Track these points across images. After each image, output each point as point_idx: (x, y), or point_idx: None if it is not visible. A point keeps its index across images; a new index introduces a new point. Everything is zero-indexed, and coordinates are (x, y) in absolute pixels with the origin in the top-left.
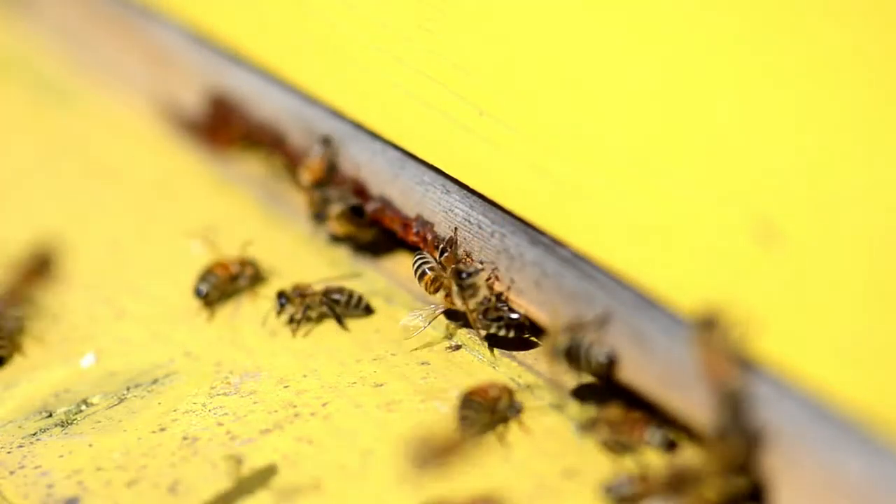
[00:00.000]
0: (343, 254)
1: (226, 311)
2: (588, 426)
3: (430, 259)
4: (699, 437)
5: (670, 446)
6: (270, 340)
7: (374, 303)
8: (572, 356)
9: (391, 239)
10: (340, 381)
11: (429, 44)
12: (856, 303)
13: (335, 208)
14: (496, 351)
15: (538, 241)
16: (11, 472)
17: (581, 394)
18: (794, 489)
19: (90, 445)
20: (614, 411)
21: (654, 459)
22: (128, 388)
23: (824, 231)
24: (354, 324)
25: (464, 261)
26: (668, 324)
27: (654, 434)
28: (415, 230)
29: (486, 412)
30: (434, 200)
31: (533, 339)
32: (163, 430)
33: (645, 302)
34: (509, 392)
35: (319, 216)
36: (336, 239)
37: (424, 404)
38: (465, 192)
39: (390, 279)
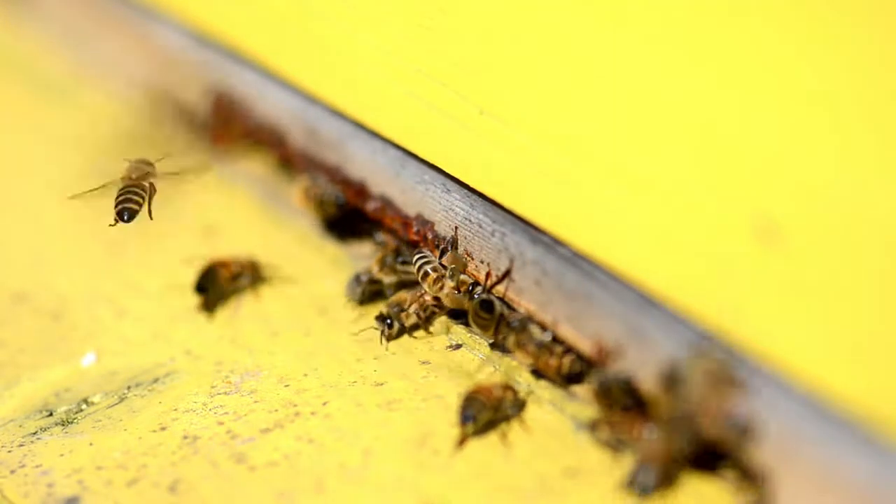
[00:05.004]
0: (344, 253)
1: (226, 310)
2: (589, 426)
3: (432, 257)
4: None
5: None
6: (271, 339)
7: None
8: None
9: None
10: (341, 380)
11: (429, 42)
12: (856, 302)
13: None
14: (497, 350)
15: (538, 240)
16: (12, 471)
17: (581, 393)
18: (795, 488)
19: (91, 444)
20: (614, 411)
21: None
22: (128, 388)
23: (825, 230)
24: (355, 323)
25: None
26: (668, 323)
27: (653, 432)
28: (415, 229)
29: (489, 411)
30: (434, 199)
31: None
32: (163, 429)
33: (645, 301)
34: (512, 391)
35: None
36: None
37: (425, 403)
38: (465, 190)
39: None
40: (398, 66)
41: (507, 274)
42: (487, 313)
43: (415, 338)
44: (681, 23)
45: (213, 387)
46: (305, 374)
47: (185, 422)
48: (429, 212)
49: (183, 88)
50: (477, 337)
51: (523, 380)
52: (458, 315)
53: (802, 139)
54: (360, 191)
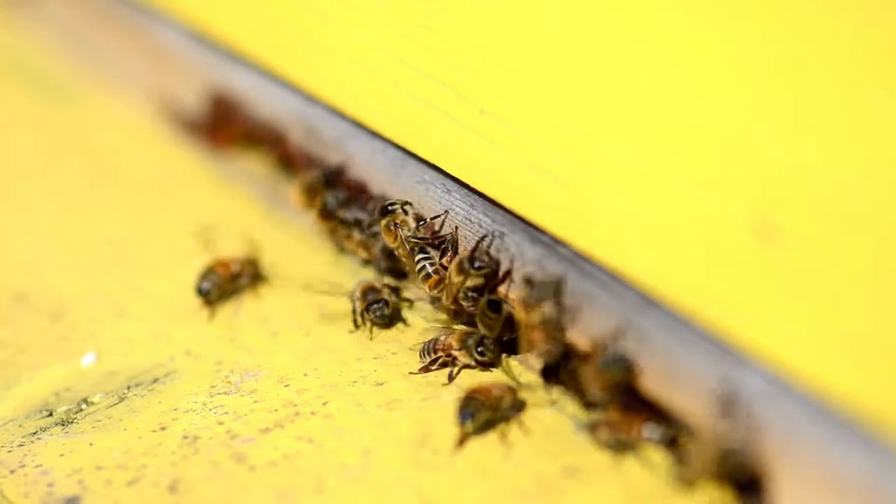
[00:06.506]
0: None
1: (226, 310)
2: (588, 427)
3: (434, 258)
4: (696, 433)
5: (670, 442)
6: (271, 339)
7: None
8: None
9: None
10: (341, 379)
11: (429, 42)
12: (856, 301)
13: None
14: (498, 350)
15: (538, 240)
16: (12, 471)
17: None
18: (795, 488)
19: (91, 444)
20: (613, 412)
21: (654, 456)
22: (128, 387)
23: (824, 229)
24: (355, 322)
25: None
26: (668, 323)
27: (653, 431)
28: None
29: (488, 410)
30: (434, 199)
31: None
32: (163, 429)
33: (645, 301)
34: (512, 391)
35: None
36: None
37: (425, 403)
38: (465, 190)
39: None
40: (398, 65)
41: (507, 274)
42: (495, 313)
43: (415, 336)
44: (680, 23)
45: (213, 387)
46: (305, 374)
47: (185, 422)
48: (429, 212)
49: (183, 87)
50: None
51: (523, 379)
52: (459, 316)
53: (801, 139)
54: (361, 191)
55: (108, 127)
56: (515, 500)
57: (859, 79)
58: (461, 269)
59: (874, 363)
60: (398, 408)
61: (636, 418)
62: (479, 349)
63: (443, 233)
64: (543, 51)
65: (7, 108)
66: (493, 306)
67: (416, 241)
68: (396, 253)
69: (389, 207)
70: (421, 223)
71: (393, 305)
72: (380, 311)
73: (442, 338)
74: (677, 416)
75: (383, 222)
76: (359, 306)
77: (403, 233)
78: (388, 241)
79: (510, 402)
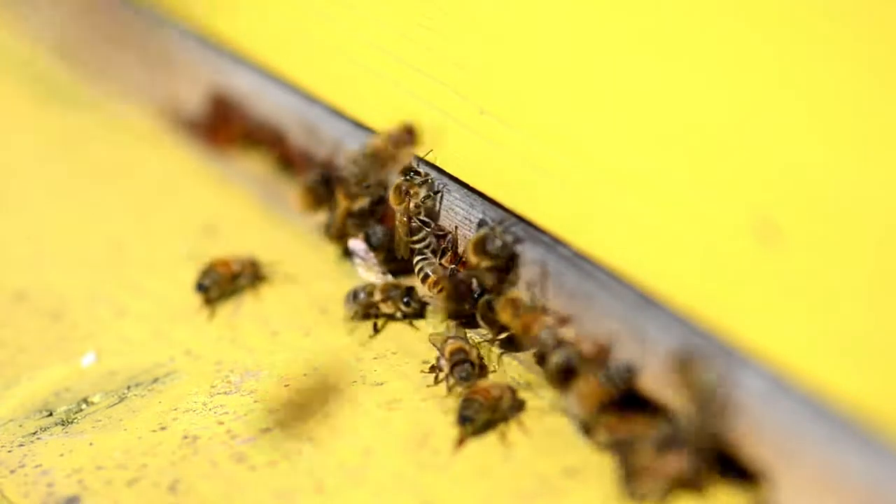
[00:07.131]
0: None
1: (226, 309)
2: (585, 429)
3: (432, 258)
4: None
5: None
6: (271, 339)
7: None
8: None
9: None
10: (341, 380)
11: (429, 42)
12: (855, 301)
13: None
14: (497, 349)
15: (539, 239)
16: (12, 471)
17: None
18: (795, 487)
19: (91, 444)
20: (610, 413)
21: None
22: (128, 387)
23: (824, 229)
24: (356, 323)
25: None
26: (668, 323)
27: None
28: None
29: (488, 411)
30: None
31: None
32: (163, 428)
33: (645, 301)
34: (511, 391)
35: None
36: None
37: (425, 403)
38: (465, 190)
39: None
40: (398, 65)
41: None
42: (492, 312)
43: (415, 335)
44: (679, 22)
45: (213, 387)
46: (305, 374)
47: (185, 422)
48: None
49: (183, 88)
50: (477, 336)
51: (523, 379)
52: (457, 315)
53: (801, 139)
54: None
55: (109, 127)
56: (515, 500)
57: (859, 79)
58: (483, 252)
59: (874, 363)
60: (398, 408)
61: (634, 420)
62: (456, 368)
63: (442, 232)
64: (543, 51)
65: (7, 108)
66: (491, 306)
67: (417, 215)
68: (397, 219)
69: (413, 174)
70: (427, 198)
71: (416, 297)
72: (409, 299)
73: (449, 342)
74: (675, 416)
75: (397, 181)
76: (384, 307)
77: (411, 199)
78: (393, 202)
79: (510, 402)
